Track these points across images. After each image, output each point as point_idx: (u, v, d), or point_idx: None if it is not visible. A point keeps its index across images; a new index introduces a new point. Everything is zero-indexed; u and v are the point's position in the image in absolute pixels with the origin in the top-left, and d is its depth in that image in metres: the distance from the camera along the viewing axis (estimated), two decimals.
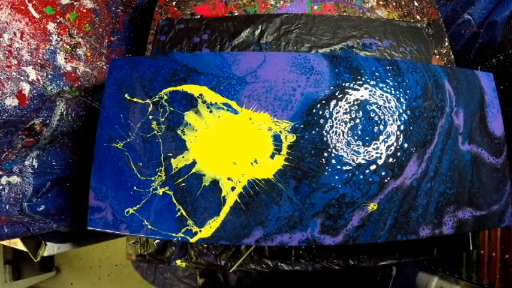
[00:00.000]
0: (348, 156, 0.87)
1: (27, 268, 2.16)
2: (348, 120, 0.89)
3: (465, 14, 1.39)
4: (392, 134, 0.89)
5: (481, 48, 1.38)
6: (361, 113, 0.89)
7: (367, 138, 0.89)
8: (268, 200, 0.86)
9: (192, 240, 0.85)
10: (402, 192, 0.88)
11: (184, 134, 0.89)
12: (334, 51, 1.21)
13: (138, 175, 0.88)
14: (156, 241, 1.20)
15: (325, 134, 0.88)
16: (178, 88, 0.91)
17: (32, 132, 1.10)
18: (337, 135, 0.88)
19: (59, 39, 1.13)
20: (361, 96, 0.90)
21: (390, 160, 0.88)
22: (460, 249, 1.18)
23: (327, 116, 0.89)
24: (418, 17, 1.32)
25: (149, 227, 0.86)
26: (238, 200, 0.86)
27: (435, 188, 0.89)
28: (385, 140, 0.89)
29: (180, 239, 0.86)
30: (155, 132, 0.90)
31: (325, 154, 0.87)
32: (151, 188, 0.87)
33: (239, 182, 0.86)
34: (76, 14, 1.19)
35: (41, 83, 1.06)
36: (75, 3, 1.18)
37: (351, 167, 0.87)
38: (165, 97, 0.91)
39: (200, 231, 0.86)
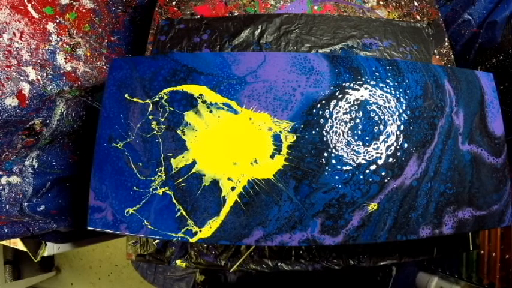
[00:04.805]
0: (348, 156, 0.87)
1: (27, 268, 2.16)
2: (348, 120, 0.89)
3: (465, 14, 1.39)
4: (392, 134, 0.89)
5: (481, 48, 1.38)
6: (361, 113, 0.89)
7: (367, 138, 0.89)
8: (268, 200, 0.86)
9: (192, 240, 0.85)
10: (402, 192, 0.88)
11: (184, 134, 0.89)
12: (334, 51, 1.21)
13: (138, 175, 0.88)
14: (156, 241, 1.20)
15: (325, 134, 0.88)
16: (178, 88, 0.91)
17: (32, 132, 1.10)
18: (337, 135, 0.88)
19: (58, 39, 1.13)
20: (361, 96, 0.90)
21: (390, 160, 0.88)
22: (460, 249, 1.18)
23: (327, 116, 0.89)
24: (418, 17, 1.32)
25: (149, 227, 0.86)
26: (238, 200, 0.86)
27: (435, 188, 0.89)
28: (385, 140, 0.89)
29: (180, 239, 0.86)
30: (155, 132, 0.90)
31: (325, 154, 0.87)
32: (151, 188, 0.87)
33: (239, 182, 0.86)
34: (75, 14, 1.19)
35: (41, 83, 1.06)
36: (74, 3, 1.18)
37: (351, 167, 0.87)
38: (165, 97, 0.91)
39: (200, 231, 0.86)
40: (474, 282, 1.40)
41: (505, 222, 0.94)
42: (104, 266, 2.33)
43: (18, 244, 1.34)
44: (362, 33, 1.23)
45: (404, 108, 0.91)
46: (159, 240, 1.20)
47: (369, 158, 0.88)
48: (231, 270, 1.16)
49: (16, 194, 1.15)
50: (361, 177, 0.87)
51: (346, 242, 0.85)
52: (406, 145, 0.89)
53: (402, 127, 0.90)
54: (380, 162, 0.88)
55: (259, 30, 1.24)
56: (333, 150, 0.87)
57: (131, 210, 0.87)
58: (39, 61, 1.07)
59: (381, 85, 0.92)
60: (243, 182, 0.86)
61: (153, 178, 0.88)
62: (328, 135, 0.88)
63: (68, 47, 1.16)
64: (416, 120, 0.91)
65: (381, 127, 0.89)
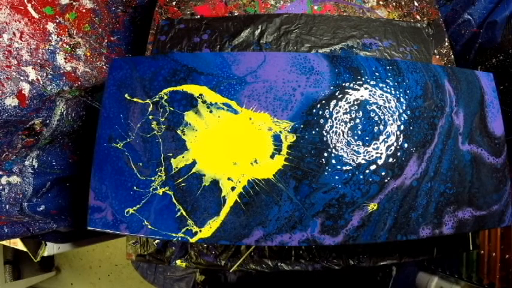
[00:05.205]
0: (348, 156, 0.87)
1: (27, 268, 2.16)
2: (348, 120, 0.89)
3: (465, 14, 1.39)
4: (392, 134, 0.89)
5: (481, 48, 1.38)
6: (361, 113, 0.89)
7: (367, 138, 0.89)
8: (268, 200, 0.86)
9: (192, 240, 0.85)
10: (402, 192, 0.88)
11: (184, 134, 0.89)
12: (334, 51, 1.21)
13: (138, 175, 0.88)
14: (156, 241, 1.20)
15: (325, 134, 0.88)
16: (178, 88, 0.91)
17: (32, 132, 1.10)
18: (337, 135, 0.88)
19: (58, 39, 1.13)
20: (361, 96, 0.90)
21: (390, 160, 0.88)
22: (460, 249, 1.18)
23: (327, 116, 0.89)
24: (418, 17, 1.32)
25: (149, 227, 0.86)
26: (238, 200, 0.86)
27: (435, 188, 0.89)
28: (385, 140, 0.89)
29: (180, 239, 0.86)
30: (155, 132, 0.90)
31: (325, 154, 0.87)
32: (151, 188, 0.87)
33: (239, 182, 0.86)
34: (75, 14, 1.19)
35: (41, 83, 1.06)
36: (74, 3, 1.18)
37: (351, 167, 0.87)
38: (165, 97, 0.91)
39: (200, 231, 0.86)
40: (474, 282, 1.40)
41: (505, 222, 0.94)
42: (104, 266, 2.33)
43: (18, 244, 1.34)
44: (362, 33, 1.23)
45: (404, 108, 0.91)
46: (159, 240, 1.20)
47: (369, 158, 0.88)
48: (231, 270, 1.16)
49: (16, 194, 1.15)
50: (361, 177, 0.87)
51: (346, 242, 0.85)
52: (406, 145, 0.89)
53: (402, 127, 0.90)
54: (380, 162, 0.88)
55: (259, 30, 1.24)
56: (333, 150, 0.87)
57: (131, 210, 0.87)
58: (39, 61, 1.07)
59: (381, 85, 0.92)
60: (243, 182, 0.86)
61: (153, 178, 0.88)
62: (328, 135, 0.88)
63: (68, 47, 1.16)
64: (416, 120, 0.91)
65: (381, 127, 0.89)
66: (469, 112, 0.95)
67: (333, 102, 0.89)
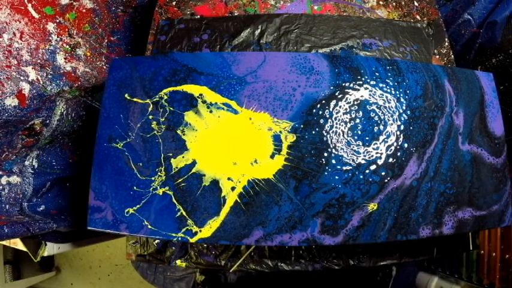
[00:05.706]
0: (348, 156, 0.87)
1: (27, 268, 2.17)
2: (348, 120, 0.89)
3: (465, 14, 1.39)
4: (392, 134, 0.89)
5: (481, 48, 1.38)
6: (361, 113, 0.89)
7: (367, 138, 0.89)
8: (268, 200, 0.86)
9: (192, 240, 0.85)
10: (402, 192, 0.88)
11: (184, 134, 0.89)
12: (334, 51, 1.21)
13: (138, 175, 0.88)
14: (156, 241, 1.20)
15: (325, 134, 0.88)
16: (178, 88, 0.91)
17: (32, 132, 1.10)
18: (337, 135, 0.88)
19: (58, 39, 1.13)
20: (361, 96, 0.90)
21: (390, 160, 0.88)
22: (460, 249, 1.18)
23: (327, 116, 0.89)
24: (418, 17, 1.32)
25: (149, 227, 0.86)
26: (238, 200, 0.86)
27: (435, 188, 0.89)
28: (385, 140, 0.89)
29: (180, 239, 0.86)
30: (155, 132, 0.90)
31: (325, 154, 0.87)
32: (151, 188, 0.87)
33: (239, 182, 0.86)
34: (75, 14, 1.19)
35: (41, 83, 1.06)
36: (74, 3, 1.18)
37: (351, 167, 0.87)
38: (165, 97, 0.91)
39: (200, 231, 0.86)
40: (474, 282, 1.40)
41: (505, 222, 0.94)
42: (104, 266, 2.33)
43: (18, 244, 1.34)
44: (362, 33, 1.23)
45: (404, 108, 0.91)
46: (159, 240, 1.20)
47: (369, 158, 0.88)
48: (231, 270, 1.16)
49: (16, 194, 1.15)
50: (361, 177, 0.87)
51: (346, 242, 0.85)
52: (406, 145, 0.89)
53: (402, 127, 0.90)
54: (380, 162, 0.88)
55: (259, 30, 1.24)
56: (333, 150, 0.87)
57: (131, 210, 0.87)
58: (39, 61, 1.07)
59: (381, 85, 0.92)
60: (243, 182, 0.86)
61: (153, 178, 0.88)
62: (328, 135, 0.88)
63: (68, 47, 1.16)
64: (416, 120, 0.91)
65: (381, 127, 0.89)
66: (469, 112, 0.95)
67: (333, 102, 0.89)
